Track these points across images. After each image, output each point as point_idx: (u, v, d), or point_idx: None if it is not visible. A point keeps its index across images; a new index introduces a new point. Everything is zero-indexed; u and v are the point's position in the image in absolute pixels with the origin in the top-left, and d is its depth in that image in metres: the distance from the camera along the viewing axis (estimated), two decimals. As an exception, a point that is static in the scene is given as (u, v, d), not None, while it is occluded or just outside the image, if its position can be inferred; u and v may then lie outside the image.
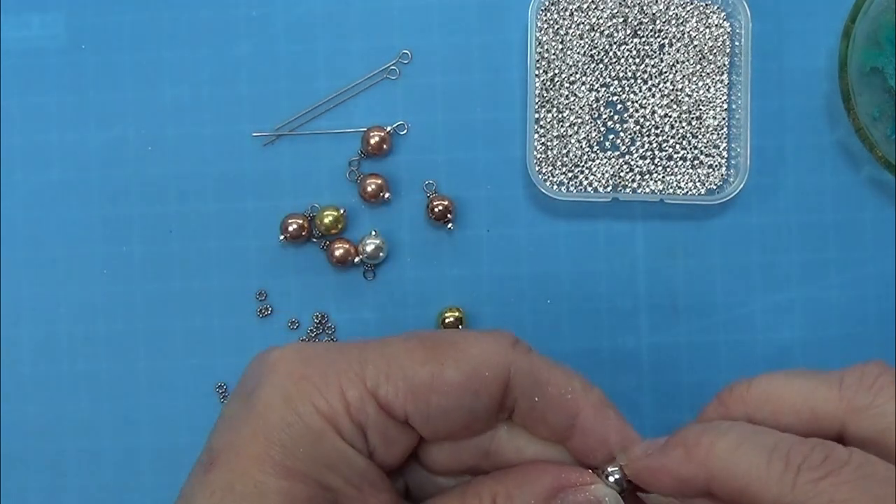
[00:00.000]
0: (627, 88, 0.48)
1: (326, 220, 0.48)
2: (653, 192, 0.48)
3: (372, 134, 0.48)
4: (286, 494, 0.30)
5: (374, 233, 0.48)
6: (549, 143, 0.48)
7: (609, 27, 0.48)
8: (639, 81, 0.48)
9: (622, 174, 0.48)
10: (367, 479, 0.31)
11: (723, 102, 0.48)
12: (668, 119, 0.48)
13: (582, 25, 0.48)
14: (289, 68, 0.49)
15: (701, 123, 0.48)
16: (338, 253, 0.48)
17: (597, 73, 0.48)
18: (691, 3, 0.48)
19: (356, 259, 0.48)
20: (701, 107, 0.48)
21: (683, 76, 0.48)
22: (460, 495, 0.32)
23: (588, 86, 0.48)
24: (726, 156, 0.48)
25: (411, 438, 0.32)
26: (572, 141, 0.48)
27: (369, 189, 0.48)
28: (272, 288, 0.49)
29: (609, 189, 0.48)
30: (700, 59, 0.48)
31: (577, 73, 0.48)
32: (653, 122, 0.48)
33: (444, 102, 0.49)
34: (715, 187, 0.48)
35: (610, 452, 0.33)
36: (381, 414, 0.31)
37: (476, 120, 0.49)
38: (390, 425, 0.31)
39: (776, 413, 0.32)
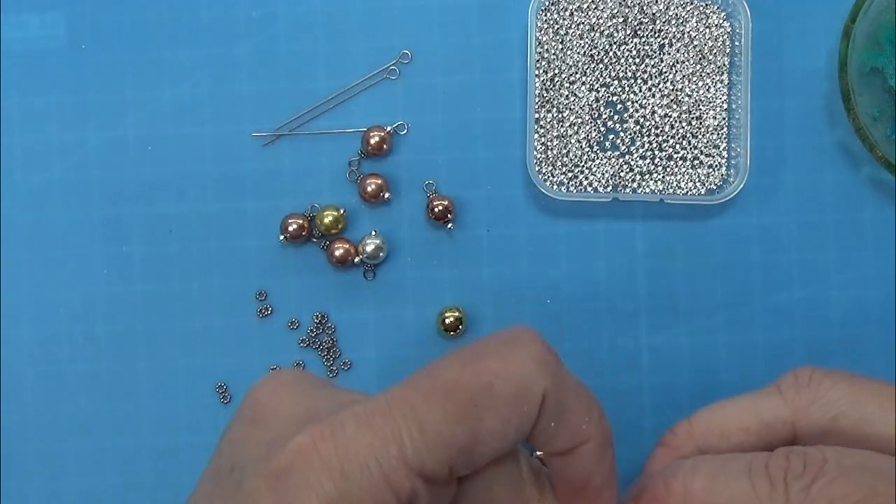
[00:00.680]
0: (627, 88, 0.48)
1: (326, 220, 0.48)
2: (653, 192, 0.48)
3: (372, 134, 0.48)
4: None
5: (374, 233, 0.48)
6: (549, 143, 0.48)
7: (609, 27, 0.48)
8: (639, 81, 0.48)
9: (622, 174, 0.48)
10: None
11: (723, 102, 0.48)
12: (668, 119, 0.48)
13: (582, 25, 0.48)
14: (289, 68, 0.49)
15: (701, 123, 0.48)
16: (338, 253, 0.48)
17: (597, 73, 0.48)
18: (691, 3, 0.48)
19: (356, 259, 0.48)
20: (701, 107, 0.48)
21: (683, 76, 0.48)
22: None
23: (588, 86, 0.48)
24: (726, 156, 0.48)
25: (454, 486, 0.30)
26: (572, 141, 0.48)
27: (369, 189, 0.48)
28: (272, 288, 0.49)
29: (609, 189, 0.48)
30: (700, 59, 0.48)
31: (577, 73, 0.48)
32: (653, 122, 0.48)
33: (444, 102, 0.49)
34: (715, 187, 0.48)
35: (584, 486, 0.31)
36: (426, 484, 0.28)
37: (476, 120, 0.49)
38: (436, 490, 0.29)
39: (726, 436, 0.32)
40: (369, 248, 0.48)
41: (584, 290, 0.49)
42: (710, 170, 0.48)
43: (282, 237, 0.48)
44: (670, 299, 0.48)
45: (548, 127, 0.48)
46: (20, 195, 0.49)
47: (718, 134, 0.48)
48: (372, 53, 0.49)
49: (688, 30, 0.48)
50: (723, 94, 0.48)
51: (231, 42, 0.49)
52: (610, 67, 0.48)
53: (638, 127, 0.48)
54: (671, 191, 0.48)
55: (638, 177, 0.48)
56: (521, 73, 0.48)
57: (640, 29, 0.48)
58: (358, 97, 0.49)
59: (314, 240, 0.49)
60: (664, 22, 0.48)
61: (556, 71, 0.48)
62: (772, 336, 0.48)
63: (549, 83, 0.48)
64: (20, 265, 0.49)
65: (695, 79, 0.48)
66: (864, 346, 0.48)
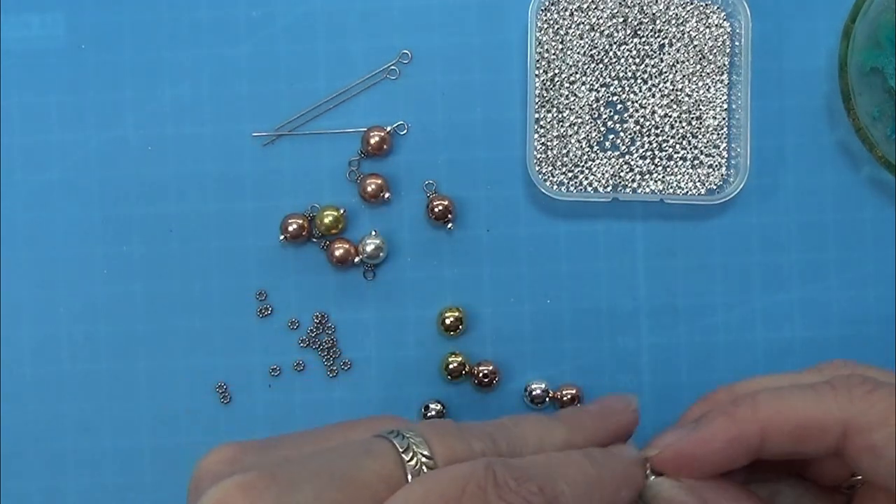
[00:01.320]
0: (627, 88, 0.48)
1: (326, 220, 0.48)
2: (653, 192, 0.48)
3: (372, 134, 0.48)
4: None
5: (374, 233, 0.48)
6: (549, 143, 0.48)
7: (609, 27, 0.48)
8: (639, 81, 0.48)
9: (622, 174, 0.48)
10: None
11: (723, 102, 0.48)
12: (668, 119, 0.48)
13: (582, 25, 0.48)
14: (289, 68, 0.49)
15: (701, 123, 0.48)
16: (338, 253, 0.48)
17: (597, 73, 0.48)
18: (691, 3, 0.48)
19: (356, 259, 0.48)
20: (701, 107, 0.48)
21: (683, 76, 0.48)
22: None
23: (588, 86, 0.48)
24: (726, 156, 0.48)
25: None
26: (572, 141, 0.48)
27: (369, 189, 0.48)
28: (272, 288, 0.49)
29: (609, 189, 0.48)
30: (700, 59, 0.48)
31: (577, 73, 0.48)
32: (653, 122, 0.48)
33: (444, 102, 0.49)
34: (715, 187, 0.48)
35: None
36: None
37: (476, 120, 0.49)
38: None
39: (786, 424, 0.32)
40: (369, 248, 0.48)
41: (584, 290, 0.49)
42: (710, 170, 0.48)
43: (282, 237, 0.48)
44: (670, 299, 0.48)
45: (548, 127, 0.48)
46: (20, 195, 0.49)
47: (718, 134, 0.48)
48: (372, 53, 0.49)
49: (688, 30, 0.48)
50: (723, 94, 0.48)
51: (231, 42, 0.49)
52: (610, 67, 0.48)
53: (638, 127, 0.48)
54: (671, 191, 0.48)
55: (638, 177, 0.48)
56: (521, 73, 0.48)
57: (640, 29, 0.48)
58: (358, 97, 0.49)
59: (314, 240, 0.49)
60: (664, 22, 0.48)
61: (556, 71, 0.48)
62: (772, 336, 0.48)
63: (549, 83, 0.48)
64: (20, 265, 0.49)
65: (695, 79, 0.48)
66: (864, 346, 0.48)
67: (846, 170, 0.49)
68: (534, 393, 0.48)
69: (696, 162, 0.48)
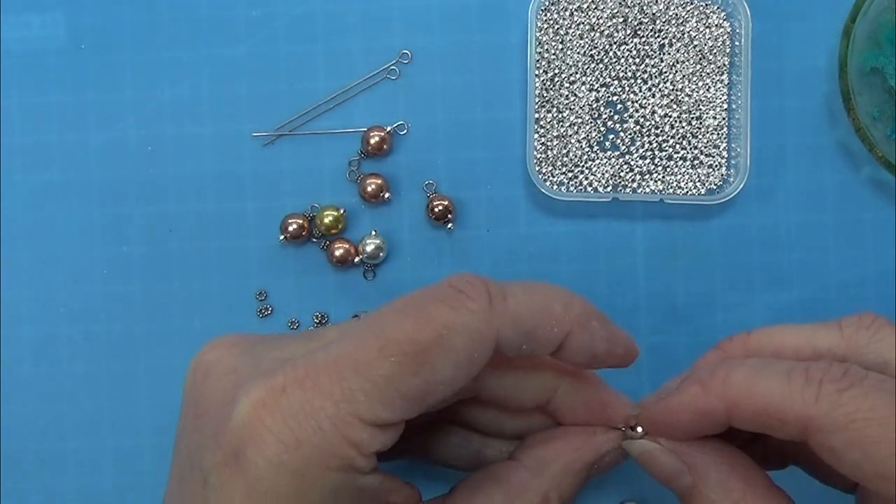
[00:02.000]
0: (627, 88, 0.48)
1: (326, 220, 0.48)
2: (653, 192, 0.48)
3: (372, 134, 0.48)
4: None
5: (374, 233, 0.48)
6: (549, 143, 0.48)
7: (609, 27, 0.48)
8: (639, 81, 0.48)
9: (622, 174, 0.48)
10: (385, 487, 0.31)
11: (723, 102, 0.48)
12: (668, 119, 0.48)
13: (582, 25, 0.48)
14: (289, 68, 0.49)
15: (701, 123, 0.48)
16: (338, 253, 0.48)
17: (597, 73, 0.48)
18: (691, 3, 0.48)
19: (356, 259, 0.48)
20: (701, 107, 0.48)
21: (683, 76, 0.48)
22: (505, 493, 0.33)
23: (588, 86, 0.48)
24: (726, 156, 0.48)
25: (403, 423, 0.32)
26: (572, 141, 0.48)
27: (369, 189, 0.48)
28: (272, 288, 0.49)
29: (609, 189, 0.48)
30: (700, 59, 0.48)
31: (577, 73, 0.48)
32: (653, 122, 0.48)
33: (444, 102, 0.49)
34: (715, 187, 0.48)
35: (598, 364, 0.34)
36: (384, 431, 0.29)
37: (476, 120, 0.49)
38: (394, 430, 0.30)
39: (778, 354, 0.33)
40: (369, 248, 0.48)
41: (584, 290, 0.48)
42: (710, 170, 0.48)
43: (282, 237, 0.48)
44: (670, 299, 0.48)
45: (548, 127, 0.48)
46: (20, 195, 0.49)
47: (718, 134, 0.48)
48: (372, 53, 0.49)
49: (688, 30, 0.48)
50: (723, 94, 0.48)
51: (231, 42, 0.49)
52: (610, 67, 0.48)
53: (638, 127, 0.48)
54: (671, 191, 0.48)
55: (638, 177, 0.48)
56: (521, 73, 0.48)
57: (640, 29, 0.48)
58: (358, 97, 0.49)
59: (314, 240, 0.49)
60: (664, 22, 0.48)
61: (556, 71, 0.48)
62: (772, 336, 0.48)
63: (549, 83, 0.48)
64: (20, 265, 0.49)
65: (695, 79, 0.48)
66: (864, 346, 0.48)
67: (846, 170, 0.49)
68: (534, 393, 0.48)
69: (696, 162, 0.48)
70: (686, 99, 0.48)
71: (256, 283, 0.49)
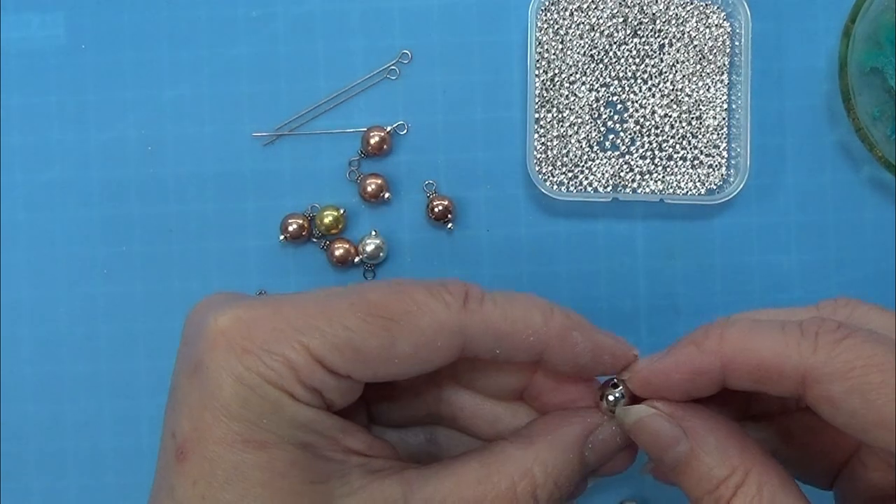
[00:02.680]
0: (627, 88, 0.48)
1: (326, 220, 0.48)
2: (653, 192, 0.48)
3: (372, 134, 0.48)
4: (268, 467, 0.29)
5: (374, 233, 0.48)
6: (549, 143, 0.48)
7: (609, 27, 0.48)
8: (639, 81, 0.48)
9: (622, 174, 0.48)
10: (337, 428, 0.31)
11: (723, 102, 0.48)
12: (668, 119, 0.48)
13: (582, 25, 0.48)
14: (289, 68, 0.49)
15: (701, 123, 0.48)
16: (338, 253, 0.48)
17: (597, 73, 0.48)
18: (691, 3, 0.48)
19: (356, 259, 0.48)
20: (701, 107, 0.48)
21: (683, 76, 0.48)
22: (486, 474, 0.31)
23: (588, 86, 0.48)
24: (726, 156, 0.48)
25: (363, 386, 0.32)
26: (572, 141, 0.48)
27: (369, 189, 0.48)
28: (272, 288, 0.49)
29: (609, 189, 0.48)
30: (700, 59, 0.48)
31: (577, 73, 0.48)
32: (653, 122, 0.48)
33: (444, 102, 0.49)
34: (715, 187, 0.48)
35: (583, 371, 0.33)
36: (332, 376, 0.30)
37: (476, 120, 0.49)
38: (343, 382, 0.31)
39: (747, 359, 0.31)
40: (369, 248, 0.48)
41: (584, 290, 0.49)
42: (710, 170, 0.48)
43: (282, 237, 0.48)
44: (670, 299, 0.48)
45: (548, 127, 0.48)
46: (20, 195, 0.49)
47: (718, 134, 0.48)
48: (372, 53, 0.49)
49: (688, 30, 0.48)
50: (723, 94, 0.48)
51: (231, 42, 0.49)
52: (610, 67, 0.48)
53: (638, 127, 0.48)
54: (671, 191, 0.48)
55: (638, 177, 0.48)
56: (521, 73, 0.48)
57: (640, 29, 0.48)
58: (358, 97, 0.49)
59: (314, 240, 0.49)
60: (664, 22, 0.48)
61: (556, 71, 0.48)
62: (772, 336, 0.48)
63: (549, 83, 0.48)
64: (20, 265, 0.49)
65: (695, 79, 0.48)
66: (864, 346, 0.48)
67: (846, 170, 0.49)
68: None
69: (696, 162, 0.48)
70: (686, 99, 0.48)
71: (256, 283, 0.49)
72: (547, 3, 0.48)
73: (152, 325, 0.49)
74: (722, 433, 0.31)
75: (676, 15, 0.48)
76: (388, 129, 0.48)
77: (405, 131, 0.49)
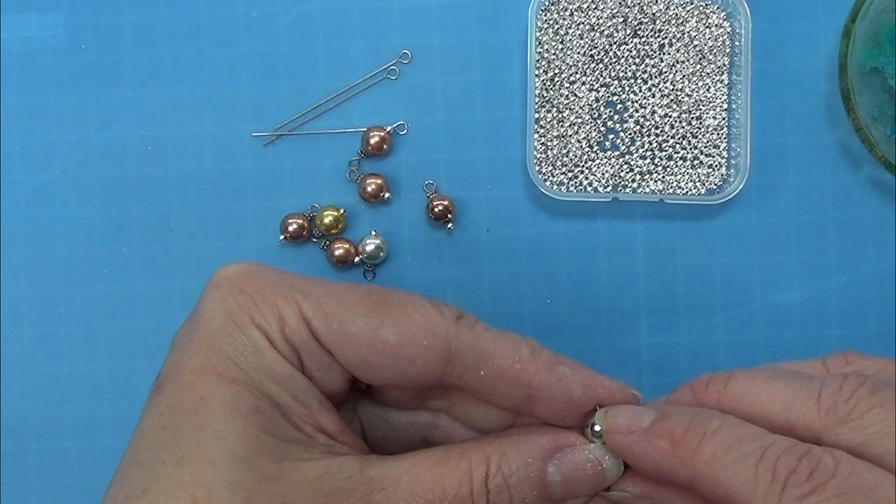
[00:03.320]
0: (627, 88, 0.48)
1: (326, 220, 0.48)
2: (653, 192, 0.48)
3: (372, 134, 0.48)
4: (231, 403, 0.29)
5: (374, 233, 0.48)
6: (549, 143, 0.48)
7: (609, 27, 0.48)
8: (639, 81, 0.48)
9: (622, 174, 0.48)
10: (313, 397, 0.31)
11: (723, 102, 0.48)
12: (668, 119, 0.48)
13: (582, 25, 0.48)
14: (289, 68, 0.49)
15: (701, 123, 0.48)
16: (338, 253, 0.48)
17: (597, 73, 0.48)
18: (691, 3, 0.48)
19: (356, 259, 0.48)
20: (701, 107, 0.48)
21: (683, 76, 0.48)
22: (445, 457, 0.31)
23: (588, 86, 0.48)
24: (726, 156, 0.48)
25: (347, 375, 0.32)
26: (572, 141, 0.48)
27: (369, 189, 0.48)
28: (272, 288, 0.49)
29: (609, 189, 0.48)
30: (700, 59, 0.48)
31: (577, 73, 0.48)
32: (653, 122, 0.48)
33: (444, 102, 0.49)
34: (715, 187, 0.48)
35: (579, 410, 0.32)
36: (314, 342, 0.31)
37: (476, 120, 0.49)
38: (324, 355, 0.31)
39: (751, 417, 0.31)
40: (369, 248, 0.48)
41: (584, 290, 0.49)
42: (710, 170, 0.48)
43: (282, 237, 0.48)
44: (670, 299, 0.48)
45: (548, 127, 0.48)
46: (20, 195, 0.49)
47: (718, 134, 0.48)
48: (372, 53, 0.49)
49: (688, 30, 0.48)
50: (723, 94, 0.48)
51: (231, 42, 0.49)
52: (610, 67, 0.48)
53: (638, 127, 0.48)
54: (671, 191, 0.48)
55: (638, 177, 0.48)
56: (521, 73, 0.48)
57: (640, 29, 0.48)
58: (358, 97, 0.49)
59: (314, 240, 0.49)
60: (664, 22, 0.48)
61: (556, 71, 0.48)
62: (772, 336, 0.48)
63: (549, 83, 0.48)
64: (20, 265, 0.49)
65: (695, 79, 0.48)
66: (864, 346, 0.48)
67: (846, 170, 0.49)
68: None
69: (696, 162, 0.48)
70: (686, 99, 0.48)
71: (256, 283, 0.49)
72: (547, 3, 0.48)
73: (152, 325, 0.49)
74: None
75: (676, 15, 0.48)
76: (388, 129, 0.48)
77: (405, 131, 0.49)
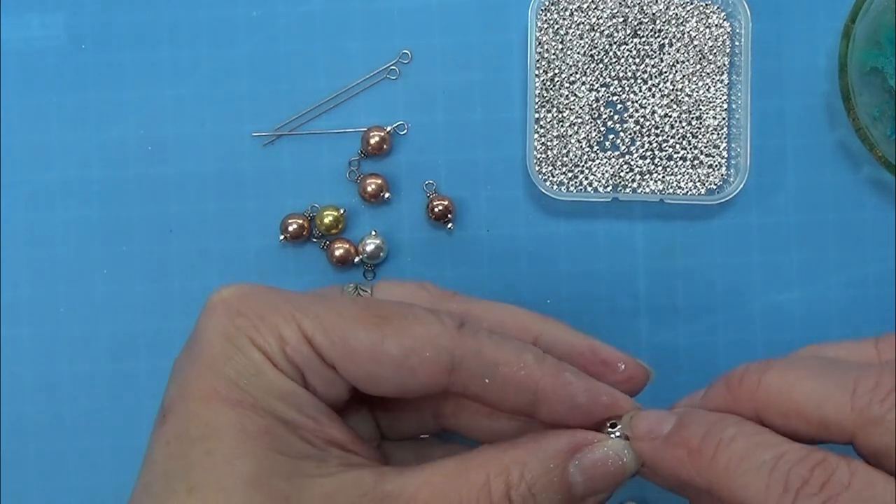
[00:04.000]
0: (627, 88, 0.48)
1: (326, 220, 0.48)
2: (653, 192, 0.48)
3: (372, 134, 0.48)
4: (238, 427, 0.29)
5: (374, 233, 0.48)
6: (549, 143, 0.48)
7: (609, 27, 0.48)
8: (639, 81, 0.48)
9: (622, 174, 0.48)
10: (320, 412, 0.31)
11: (723, 102, 0.48)
12: (668, 119, 0.48)
13: (582, 25, 0.48)
14: (289, 68, 0.49)
15: (701, 123, 0.48)
16: (338, 253, 0.48)
17: (597, 73, 0.48)
18: (691, 3, 0.48)
19: (356, 259, 0.48)
20: (701, 107, 0.48)
21: (683, 76, 0.48)
22: (463, 469, 0.31)
23: (588, 86, 0.48)
24: (726, 156, 0.48)
25: (352, 390, 0.32)
26: (572, 141, 0.48)
27: (369, 189, 0.48)
28: (272, 288, 0.49)
29: (609, 189, 0.48)
30: (700, 59, 0.48)
31: (577, 73, 0.48)
32: (653, 122, 0.48)
33: (444, 102, 0.49)
34: (715, 187, 0.48)
35: (582, 416, 0.32)
36: (317, 358, 0.31)
37: (476, 120, 0.49)
38: (327, 370, 0.31)
39: (785, 416, 0.31)
40: (369, 248, 0.48)
41: (584, 290, 0.49)
42: (710, 170, 0.48)
43: (282, 237, 0.48)
44: (670, 299, 0.48)
45: (548, 127, 0.48)
46: (20, 195, 0.49)
47: (718, 134, 0.48)
48: (372, 53, 0.49)
49: (688, 30, 0.48)
50: (723, 94, 0.48)
51: (231, 42, 0.49)
52: (610, 67, 0.48)
53: (638, 127, 0.48)
54: (671, 191, 0.48)
55: (638, 177, 0.48)
56: (521, 73, 0.48)
57: (640, 29, 0.48)
58: (358, 97, 0.49)
59: (314, 240, 0.49)
60: (664, 22, 0.48)
61: (556, 71, 0.48)
62: (772, 336, 0.48)
63: (549, 83, 0.48)
64: (20, 265, 0.49)
65: (695, 79, 0.48)
66: (864, 346, 0.48)
67: (846, 170, 0.49)
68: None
69: (696, 162, 0.48)
70: (686, 99, 0.48)
71: (256, 283, 0.49)
72: (547, 3, 0.48)
73: (152, 325, 0.49)
74: None
75: (676, 15, 0.48)
76: (388, 129, 0.48)
77: (405, 131, 0.49)
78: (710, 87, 0.48)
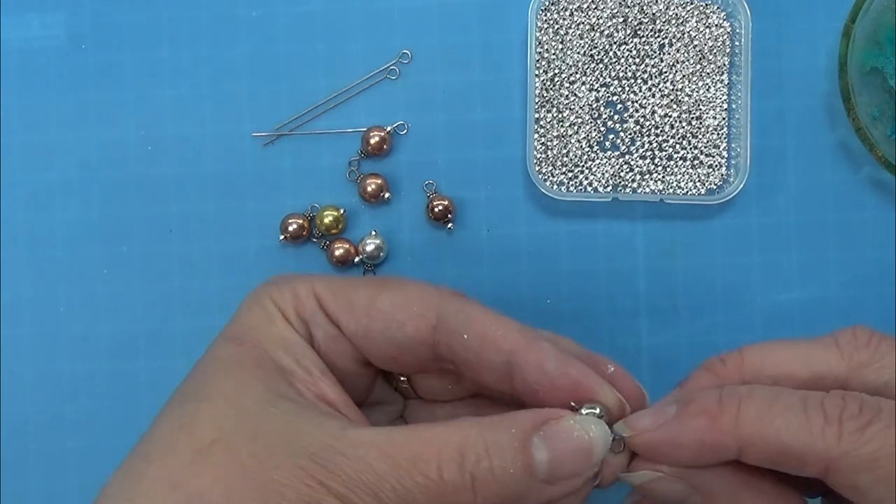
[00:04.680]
0: (627, 88, 0.48)
1: (326, 220, 0.48)
2: (653, 192, 0.48)
3: (372, 134, 0.48)
4: (236, 357, 0.33)
5: (374, 233, 0.48)
6: (549, 143, 0.48)
7: (609, 27, 0.48)
8: (639, 81, 0.48)
9: (622, 174, 0.48)
10: (316, 366, 0.33)
11: (723, 102, 0.48)
12: (668, 119, 0.48)
13: (582, 25, 0.48)
14: (289, 68, 0.49)
15: (701, 123, 0.48)
16: (338, 253, 0.48)
17: (597, 73, 0.48)
18: (691, 3, 0.48)
19: (356, 259, 0.48)
20: (701, 107, 0.48)
21: (683, 76, 0.48)
22: (422, 436, 0.31)
23: (588, 86, 0.48)
24: (726, 156, 0.48)
25: (354, 350, 0.34)
26: (572, 141, 0.48)
27: (369, 189, 0.48)
28: (272, 288, 0.49)
29: (609, 189, 0.48)
30: (700, 59, 0.48)
31: (577, 73, 0.48)
32: (653, 122, 0.48)
33: (444, 102, 0.49)
34: (715, 187, 0.48)
35: (554, 389, 0.32)
36: (322, 314, 0.34)
37: (476, 120, 0.49)
38: (331, 326, 0.34)
39: (775, 380, 0.31)
40: (369, 248, 0.48)
41: (584, 290, 0.49)
42: (710, 170, 0.48)
43: (282, 237, 0.48)
44: (670, 299, 0.48)
45: (548, 127, 0.48)
46: (20, 195, 0.49)
47: (718, 134, 0.48)
48: (372, 53, 0.49)
49: (688, 30, 0.48)
50: (723, 94, 0.48)
51: (231, 42, 0.49)
52: (610, 67, 0.48)
53: (638, 127, 0.48)
54: (671, 191, 0.48)
55: (638, 177, 0.48)
56: (521, 73, 0.48)
57: (640, 29, 0.48)
58: (358, 97, 0.49)
59: (314, 240, 0.49)
60: (664, 22, 0.48)
61: (556, 71, 0.48)
62: (771, 336, 0.48)
63: (549, 83, 0.48)
64: (20, 265, 0.49)
65: (695, 79, 0.48)
66: (864, 346, 0.48)
67: (846, 170, 0.49)
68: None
69: (696, 162, 0.48)
70: (686, 99, 0.48)
71: (256, 283, 0.48)
72: (547, 3, 0.48)
73: (152, 325, 0.49)
74: (735, 485, 0.31)
75: (676, 15, 0.48)
76: (388, 129, 0.48)
77: (405, 131, 0.49)
78: (710, 87, 0.48)
